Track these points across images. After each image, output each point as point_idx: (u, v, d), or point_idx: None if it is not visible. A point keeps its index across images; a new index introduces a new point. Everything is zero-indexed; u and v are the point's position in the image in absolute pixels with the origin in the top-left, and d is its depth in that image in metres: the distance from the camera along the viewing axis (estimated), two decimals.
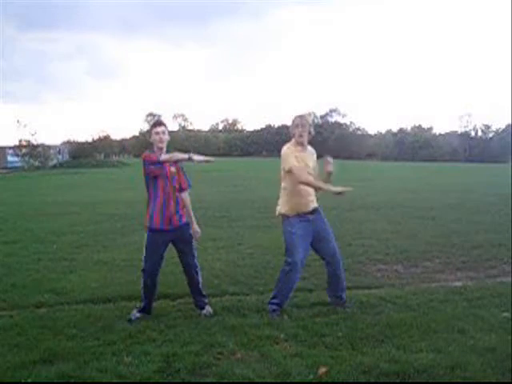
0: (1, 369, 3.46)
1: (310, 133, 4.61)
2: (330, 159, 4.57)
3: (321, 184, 4.52)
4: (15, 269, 6.44)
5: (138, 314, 4.51)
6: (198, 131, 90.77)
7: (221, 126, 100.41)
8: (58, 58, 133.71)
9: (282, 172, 4.61)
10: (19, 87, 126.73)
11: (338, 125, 76.99)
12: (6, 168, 45.40)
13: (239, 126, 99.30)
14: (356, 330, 4.08)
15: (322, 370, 3.35)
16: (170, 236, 4.51)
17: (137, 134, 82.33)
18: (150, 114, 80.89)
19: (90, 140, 66.84)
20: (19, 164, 46.48)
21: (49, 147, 49.81)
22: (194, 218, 4.69)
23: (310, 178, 4.53)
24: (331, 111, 79.16)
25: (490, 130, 70.45)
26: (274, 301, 4.61)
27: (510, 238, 7.98)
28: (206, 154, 4.64)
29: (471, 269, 6.35)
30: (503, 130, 68.72)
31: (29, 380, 3.30)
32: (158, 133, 4.47)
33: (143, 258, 4.54)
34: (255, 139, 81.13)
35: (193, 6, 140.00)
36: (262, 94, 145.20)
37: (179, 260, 4.70)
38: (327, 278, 4.84)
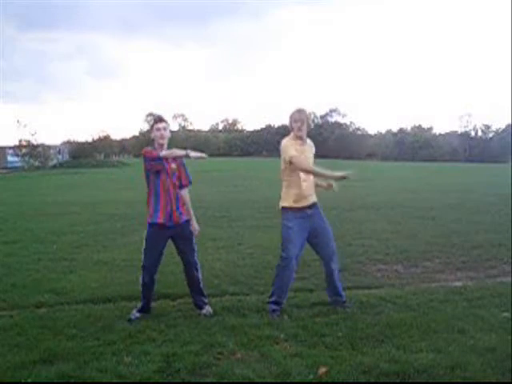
0: (1, 369, 3.47)
1: (308, 126, 4.64)
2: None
3: (322, 170, 4.57)
4: (15, 269, 6.45)
5: (137, 314, 4.52)
6: (198, 131, 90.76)
7: (221, 126, 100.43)
8: (58, 58, 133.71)
9: (282, 164, 4.63)
10: (19, 87, 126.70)
11: (338, 125, 76.88)
12: (5, 168, 45.39)
13: (239, 126, 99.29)
14: (356, 330, 4.08)
15: (322, 370, 3.35)
16: (170, 232, 4.53)
17: (137, 134, 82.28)
18: (150, 114, 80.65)
19: (90, 140, 66.76)
20: (19, 164, 46.48)
21: (49, 147, 49.82)
22: (193, 215, 4.71)
23: (311, 165, 4.59)
24: (331, 111, 79.06)
25: (490, 130, 70.42)
26: (273, 299, 4.62)
27: (510, 237, 7.97)
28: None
29: (471, 269, 6.35)
30: (503, 130, 68.67)
31: (29, 380, 3.30)
32: (159, 129, 4.49)
33: (143, 253, 4.56)
34: (255, 139, 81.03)
35: (193, 6, 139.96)
36: (262, 94, 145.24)
37: (179, 257, 4.72)
38: (325, 278, 4.85)
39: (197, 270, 4.67)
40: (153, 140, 4.55)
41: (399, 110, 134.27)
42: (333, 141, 68.99)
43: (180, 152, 4.41)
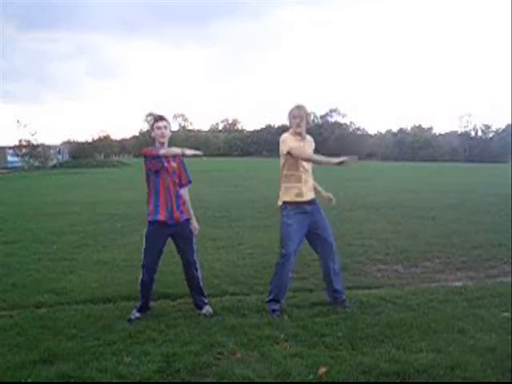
0: (1, 369, 3.46)
1: (308, 123, 4.64)
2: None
3: (320, 157, 4.57)
4: (15, 269, 6.45)
5: (137, 314, 4.52)
6: (198, 131, 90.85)
7: (221, 126, 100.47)
8: (58, 58, 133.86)
9: (282, 158, 4.62)
10: (19, 87, 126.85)
11: (338, 125, 76.95)
12: (6, 168, 45.38)
13: (239, 126, 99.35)
14: (356, 330, 4.08)
15: (322, 370, 3.35)
16: (171, 230, 4.54)
17: (137, 134, 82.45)
18: (150, 114, 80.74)
19: (90, 140, 66.90)
20: (19, 164, 46.50)
21: (49, 147, 49.85)
22: (193, 215, 4.71)
23: (311, 154, 4.61)
24: (331, 111, 79.15)
25: (490, 130, 70.51)
26: (271, 297, 4.62)
27: (510, 237, 7.97)
28: (205, 154, 4.67)
29: (471, 269, 6.35)
30: (503, 130, 68.72)
31: (29, 380, 3.30)
32: (159, 127, 4.51)
33: (143, 252, 4.56)
34: (255, 139, 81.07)
35: (193, 6, 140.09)
36: (262, 94, 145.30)
37: (179, 256, 4.72)
38: (323, 277, 4.84)
39: (196, 269, 4.68)
40: (153, 139, 4.56)
41: (399, 109, 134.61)
42: (333, 141, 68.95)
43: (177, 150, 4.44)
